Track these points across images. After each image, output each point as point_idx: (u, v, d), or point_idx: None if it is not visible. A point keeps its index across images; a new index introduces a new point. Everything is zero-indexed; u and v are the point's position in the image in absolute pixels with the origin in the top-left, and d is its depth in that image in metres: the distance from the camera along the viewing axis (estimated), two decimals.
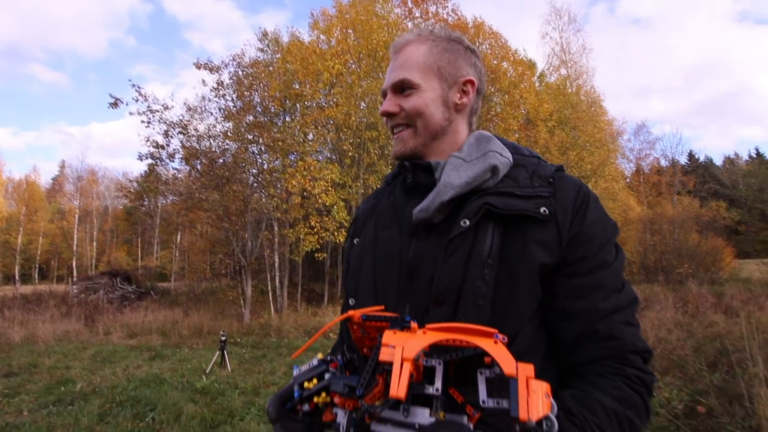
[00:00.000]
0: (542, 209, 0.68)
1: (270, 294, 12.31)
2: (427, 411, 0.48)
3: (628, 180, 27.75)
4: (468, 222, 0.68)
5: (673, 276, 14.47)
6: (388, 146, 11.53)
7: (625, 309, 0.68)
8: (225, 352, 6.04)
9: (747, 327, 3.72)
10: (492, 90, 17.59)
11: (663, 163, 30.39)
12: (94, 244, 36.46)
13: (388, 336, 0.49)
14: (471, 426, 0.47)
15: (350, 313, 0.55)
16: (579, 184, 0.73)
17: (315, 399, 0.58)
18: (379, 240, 0.79)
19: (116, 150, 75.33)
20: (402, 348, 0.47)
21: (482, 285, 0.65)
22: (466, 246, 0.68)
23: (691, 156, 39.48)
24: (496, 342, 0.48)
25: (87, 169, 37.91)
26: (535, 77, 21.95)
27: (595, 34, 61.31)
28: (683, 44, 70.03)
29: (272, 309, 12.02)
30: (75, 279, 17.93)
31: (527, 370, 0.45)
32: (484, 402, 0.47)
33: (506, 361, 0.45)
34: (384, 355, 0.47)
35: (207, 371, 5.65)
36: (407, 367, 0.45)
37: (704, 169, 33.96)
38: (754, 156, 40.07)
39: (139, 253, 38.81)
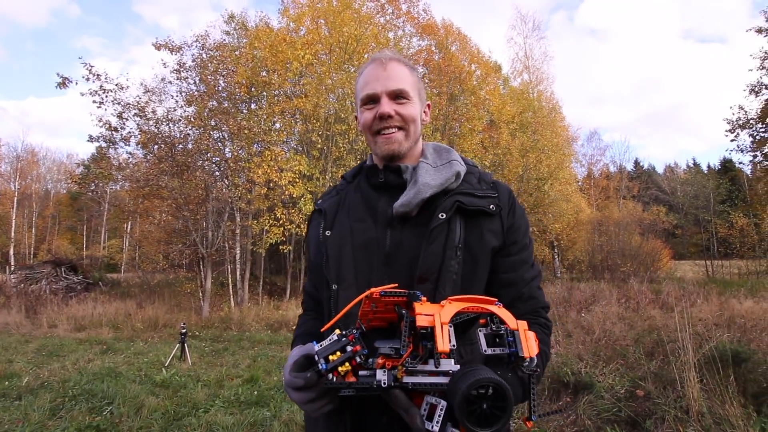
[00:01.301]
0: (491, 206, 0.89)
1: (230, 287, 11.99)
2: (451, 361, 0.61)
3: (579, 183, 29.43)
4: (444, 215, 0.86)
5: (617, 274, 15.60)
6: (357, 141, 11.52)
7: (537, 277, 0.95)
8: (185, 344, 5.87)
9: (680, 321, 4.14)
10: (459, 90, 18.02)
11: (612, 168, 32.58)
12: (33, 230, 33.58)
13: (420, 307, 0.61)
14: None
15: (372, 290, 0.65)
16: (509, 188, 0.96)
17: (339, 369, 0.66)
18: (355, 231, 0.91)
19: (57, 128, 69.35)
20: (439, 315, 0.59)
21: (456, 264, 0.84)
22: (443, 235, 0.85)
23: (636, 163, 42.57)
24: (499, 307, 0.64)
25: (26, 149, 34.75)
26: (500, 80, 22.69)
27: (554, 41, 64.04)
28: (634, 56, 74.98)
29: (232, 302, 11.72)
30: (13, 267, 16.50)
31: (523, 324, 0.61)
32: (485, 351, 0.62)
33: (509, 319, 0.62)
34: (421, 321, 0.59)
35: (166, 364, 5.47)
36: (446, 328, 0.58)
37: (647, 176, 36.70)
38: (692, 166, 43.86)
39: (85, 242, 36.23)
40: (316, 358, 0.68)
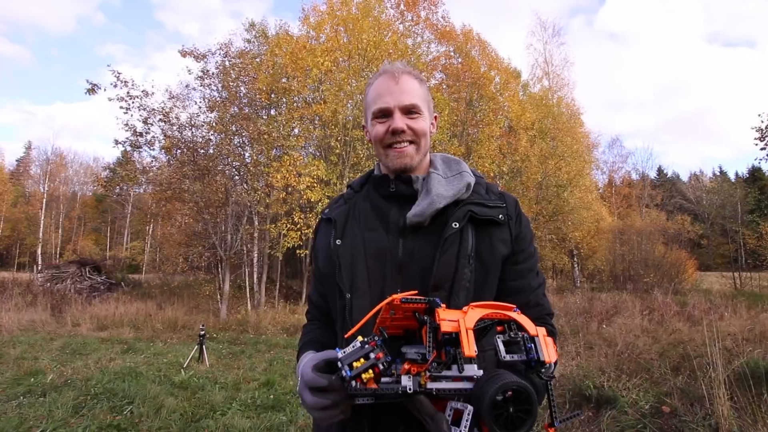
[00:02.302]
0: (500, 216, 0.92)
1: (247, 290, 12.14)
2: (474, 366, 0.62)
3: (600, 191, 28.79)
4: (458, 225, 0.88)
5: (640, 285, 15.14)
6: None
7: (543, 285, 0.98)
8: (204, 346, 5.95)
9: (708, 335, 3.98)
10: (477, 96, 17.94)
11: (634, 176, 31.77)
12: (60, 231, 34.83)
13: (444, 313, 0.62)
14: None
15: (393, 296, 0.66)
16: (515, 198, 0.99)
17: (363, 376, 0.66)
18: (367, 240, 0.93)
19: (82, 132, 71.96)
20: (464, 321, 0.60)
21: (469, 273, 0.87)
22: (456, 244, 0.87)
23: (659, 171, 41.45)
24: (518, 313, 0.65)
25: (56, 152, 36.17)
26: (519, 86, 22.50)
27: (573, 46, 63.19)
28: (656, 61, 73.28)
29: (249, 305, 11.86)
30: (40, 267, 17.12)
31: (542, 330, 0.62)
32: (504, 357, 0.61)
33: (529, 325, 0.62)
34: (446, 326, 0.60)
35: (184, 366, 5.56)
36: (471, 334, 0.59)
37: (671, 184, 35.66)
38: (718, 174, 42.41)
39: (108, 243, 37.34)
40: (340, 364, 0.67)
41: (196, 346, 5.97)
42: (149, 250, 29.01)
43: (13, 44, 71.47)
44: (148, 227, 29.71)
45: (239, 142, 11.74)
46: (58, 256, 32.37)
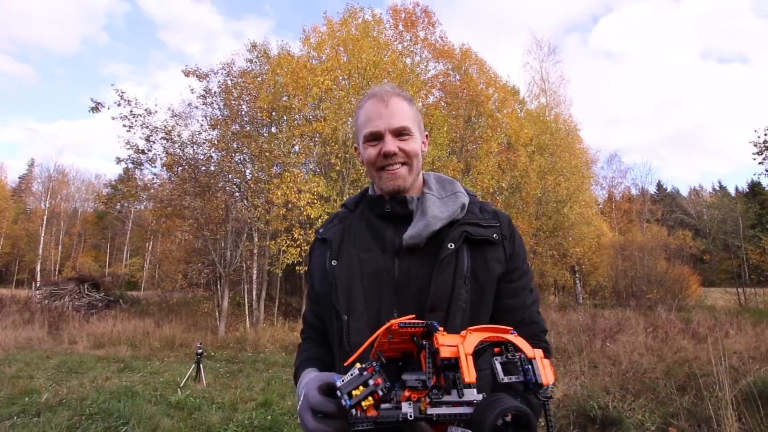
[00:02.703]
0: (495, 235, 0.93)
1: (246, 307, 12.02)
2: (474, 390, 0.61)
3: (600, 206, 28.82)
4: (453, 245, 0.88)
5: (643, 301, 14.99)
6: None
7: (537, 302, 0.99)
8: (201, 365, 5.86)
9: (714, 353, 3.92)
10: (476, 113, 18.16)
11: (633, 191, 31.87)
12: (60, 247, 34.76)
13: (443, 338, 0.62)
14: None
15: (392, 321, 0.66)
16: (508, 216, 1.00)
17: (363, 403, 0.65)
18: (363, 260, 0.92)
19: (85, 150, 72.72)
20: (463, 345, 0.61)
21: (465, 293, 0.87)
22: (452, 264, 0.88)
23: (659, 185, 41.55)
24: (515, 335, 0.65)
25: (58, 169, 36.43)
26: (517, 104, 22.80)
27: (569, 63, 64.34)
28: (652, 77, 74.30)
29: (248, 322, 11.73)
30: (38, 284, 17.01)
31: (539, 353, 0.62)
32: (502, 379, 0.62)
33: (526, 348, 0.63)
34: (445, 352, 0.60)
35: (181, 385, 5.47)
36: (470, 359, 0.59)
37: (671, 199, 35.69)
38: (717, 188, 42.52)
39: (108, 260, 37.22)
40: (339, 393, 0.66)
41: (194, 365, 5.88)
42: (148, 266, 28.89)
43: (18, 63, 72.82)
44: (147, 244, 29.66)
45: (240, 159, 11.84)
46: (57, 272, 32.21)
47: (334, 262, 0.94)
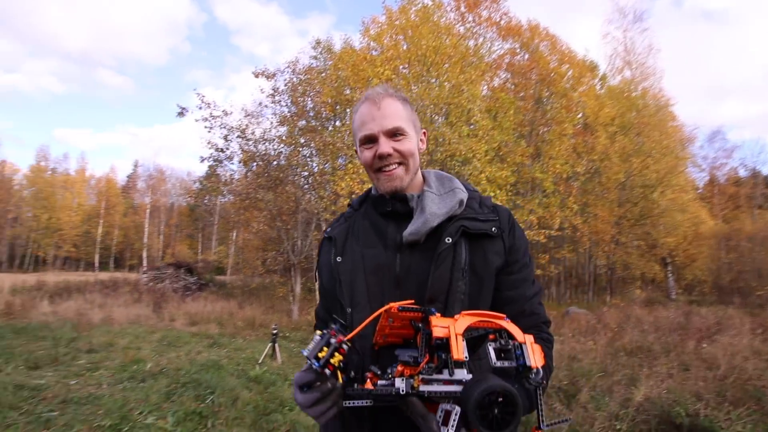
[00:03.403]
0: (493, 229, 0.95)
1: (316, 292, 12.69)
2: (464, 370, 0.65)
3: (700, 191, 25.42)
4: (451, 240, 0.92)
5: (751, 299, 13.04)
6: (437, 151, 11.50)
7: (538, 294, 1.00)
8: (276, 344, 6.34)
9: None
10: (547, 93, 16.95)
11: (742, 173, 27.55)
12: (161, 237, 39.65)
13: (436, 320, 0.66)
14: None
15: (390, 304, 0.70)
16: (508, 210, 1.02)
17: (331, 361, 0.71)
18: (366, 256, 0.97)
19: (177, 150, 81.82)
20: (454, 327, 0.65)
21: (463, 285, 0.90)
22: (450, 258, 0.91)
23: None
24: (507, 321, 0.68)
25: (157, 168, 41.41)
26: (596, 80, 20.81)
27: (659, 30, 56.36)
28: (763, 38, 62.50)
29: None
30: (145, 268, 19.62)
31: (529, 338, 0.66)
32: (495, 364, 0.65)
33: (517, 333, 0.67)
34: (438, 332, 0.64)
35: (259, 361, 5.97)
36: (461, 339, 0.64)
37: None
38: None
39: (200, 247, 41.64)
40: (308, 360, 0.72)
41: (270, 344, 6.38)
42: (233, 254, 31.75)
43: (118, 75, 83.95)
44: (231, 234, 32.57)
45: (308, 153, 12.42)
46: (161, 258, 36.83)
47: (338, 259, 0.99)
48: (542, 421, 0.66)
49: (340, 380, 0.74)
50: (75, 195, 40.56)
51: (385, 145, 0.95)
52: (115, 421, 3.40)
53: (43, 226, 37.78)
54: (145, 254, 34.25)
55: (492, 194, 11.91)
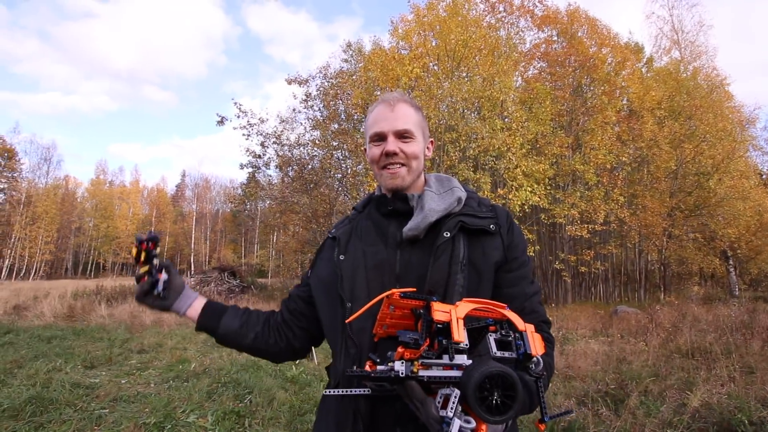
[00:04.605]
0: (491, 225, 0.98)
1: None
2: (464, 356, 0.66)
3: (764, 176, 23.18)
4: (449, 234, 0.95)
5: None
6: (468, 148, 11.25)
7: (538, 293, 1.02)
8: (312, 346, 6.44)
9: None
10: (587, 80, 16.12)
11: None
12: (207, 242, 41.75)
13: (437, 305, 0.68)
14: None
15: (392, 290, 0.72)
16: (507, 210, 1.06)
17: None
18: (368, 254, 1.01)
19: (219, 159, 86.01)
20: (455, 311, 0.66)
21: (461, 278, 0.92)
22: (448, 251, 0.94)
23: None
24: (509, 311, 0.70)
25: (202, 177, 43.68)
26: (642, 63, 19.52)
27: (708, 5, 51.76)
28: None
29: None
30: (192, 272, 20.71)
31: (530, 327, 0.68)
32: (495, 353, 0.65)
33: (518, 321, 0.68)
34: (439, 316, 0.65)
35: (296, 362, 6.09)
36: (461, 323, 0.65)
37: None
38: None
39: (243, 252, 43.45)
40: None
41: None
42: (273, 257, 32.80)
43: (162, 91, 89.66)
44: (271, 237, 33.69)
45: (340, 155, 12.58)
46: (207, 263, 38.78)
47: (342, 257, 1.02)
48: (545, 413, 0.66)
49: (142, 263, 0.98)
50: (130, 205, 43.69)
51: (392, 144, 1.01)
52: (159, 419, 3.58)
53: (102, 235, 40.98)
54: (192, 259, 36.20)
55: (529, 189, 11.49)
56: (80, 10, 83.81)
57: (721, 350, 5.54)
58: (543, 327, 0.97)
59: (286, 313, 1.18)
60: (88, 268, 42.22)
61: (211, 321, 1.12)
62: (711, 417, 3.18)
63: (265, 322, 1.16)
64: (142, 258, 0.98)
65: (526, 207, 11.89)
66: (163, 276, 1.01)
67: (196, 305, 1.11)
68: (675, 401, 3.60)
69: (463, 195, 1.03)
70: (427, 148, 1.10)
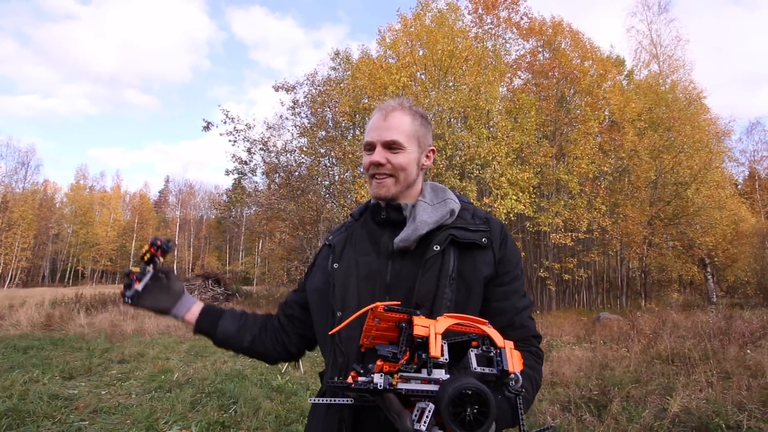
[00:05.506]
0: (483, 239, 0.97)
1: None
2: (443, 370, 0.67)
3: (739, 186, 24.05)
4: (439, 247, 0.94)
5: None
6: (455, 156, 11.39)
7: (529, 307, 1.01)
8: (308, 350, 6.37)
9: None
10: (570, 91, 16.53)
11: None
12: (191, 249, 40.96)
13: (418, 320, 0.69)
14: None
15: (376, 303, 0.73)
16: (501, 223, 1.05)
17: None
18: (360, 263, 1.01)
19: (204, 165, 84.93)
20: (435, 326, 0.67)
21: (449, 292, 0.92)
22: (437, 265, 0.93)
23: None
24: (489, 327, 0.71)
25: (186, 183, 43.00)
26: (623, 75, 20.13)
27: (686, 20, 53.87)
28: None
29: None
30: None
31: (509, 344, 0.69)
32: (475, 369, 0.66)
33: (497, 338, 0.69)
34: (418, 330, 0.67)
35: (282, 371, 6.02)
36: (439, 338, 0.66)
37: None
38: None
39: (227, 259, 42.76)
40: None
41: None
42: (258, 264, 32.40)
43: (143, 94, 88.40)
44: (257, 244, 33.30)
45: (328, 162, 12.58)
46: (190, 270, 38.03)
47: (335, 266, 1.02)
48: (523, 429, 0.67)
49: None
50: (111, 211, 42.66)
51: (378, 155, 1.00)
52: (141, 430, 3.49)
53: (81, 242, 39.85)
54: (175, 266, 35.46)
55: (514, 197, 11.67)
56: (61, 12, 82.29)
57: (700, 356, 5.70)
58: (532, 342, 0.97)
59: (282, 318, 1.19)
60: (66, 276, 40.94)
61: (208, 325, 1.13)
62: (690, 421, 3.26)
63: (262, 325, 1.17)
64: (146, 258, 1.02)
65: (511, 215, 12.07)
66: (139, 286, 1.04)
67: (194, 309, 1.13)
68: (656, 406, 3.68)
69: (457, 207, 1.02)
70: (426, 156, 1.08)
